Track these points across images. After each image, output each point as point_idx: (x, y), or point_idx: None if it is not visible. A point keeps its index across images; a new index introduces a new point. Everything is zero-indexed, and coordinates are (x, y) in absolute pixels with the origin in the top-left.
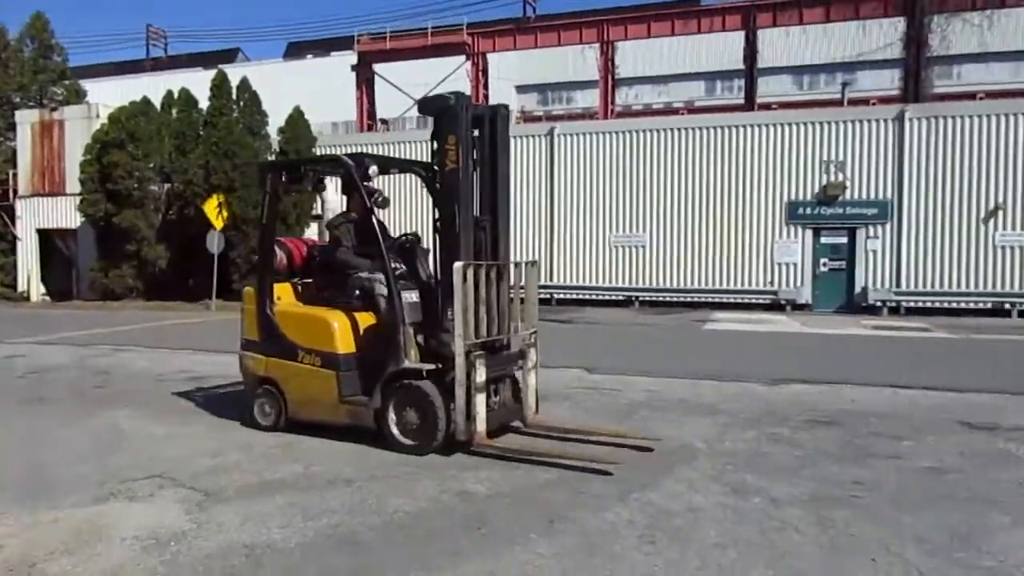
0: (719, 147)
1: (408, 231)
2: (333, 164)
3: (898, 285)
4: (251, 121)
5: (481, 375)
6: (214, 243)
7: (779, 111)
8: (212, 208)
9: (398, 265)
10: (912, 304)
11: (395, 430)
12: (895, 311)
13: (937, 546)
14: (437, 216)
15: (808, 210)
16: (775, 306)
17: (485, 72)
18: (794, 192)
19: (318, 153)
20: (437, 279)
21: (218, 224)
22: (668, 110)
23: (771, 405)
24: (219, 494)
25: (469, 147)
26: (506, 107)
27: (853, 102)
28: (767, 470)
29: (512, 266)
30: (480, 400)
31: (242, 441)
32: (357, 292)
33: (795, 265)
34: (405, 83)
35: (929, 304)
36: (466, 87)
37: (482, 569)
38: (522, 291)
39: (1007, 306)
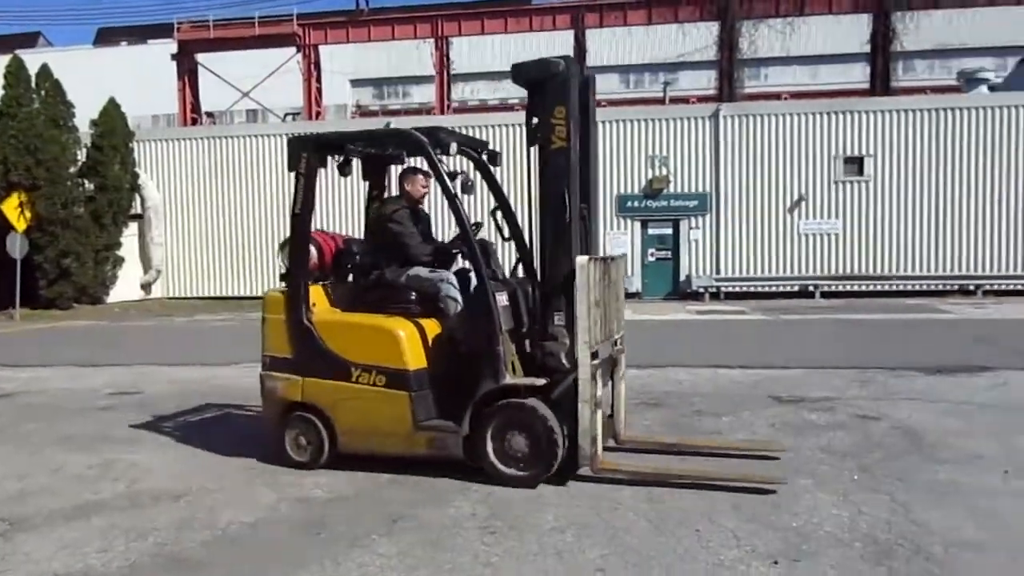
0: None
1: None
2: (398, 140)
3: (718, 272)
4: (55, 112)
5: (599, 388)
6: (16, 247)
7: (608, 108)
8: (12, 208)
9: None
10: (731, 289)
11: (495, 459)
12: (716, 296)
13: (753, 512)
14: (539, 204)
15: (636, 203)
16: None
17: (317, 65)
18: (623, 186)
19: (132, 146)
20: (539, 277)
21: (19, 226)
22: (504, 106)
23: None
24: (27, 521)
25: (578, 121)
26: (593, 76)
27: (675, 100)
28: None
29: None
30: (599, 418)
31: (53, 462)
32: (414, 295)
33: (625, 256)
34: (232, 75)
35: (745, 288)
36: (297, 80)
37: None
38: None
39: (811, 288)
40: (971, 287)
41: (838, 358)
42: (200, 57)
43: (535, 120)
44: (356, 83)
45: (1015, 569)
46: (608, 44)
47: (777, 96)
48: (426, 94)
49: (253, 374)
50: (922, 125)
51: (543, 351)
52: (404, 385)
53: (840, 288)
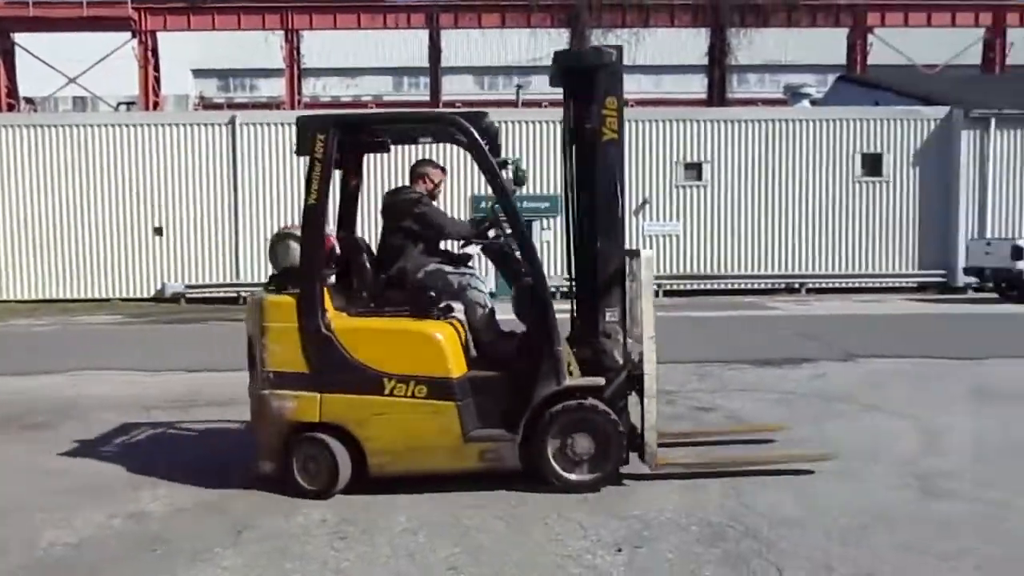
0: None
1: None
2: (437, 124)
3: (569, 271)
4: None
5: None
6: None
7: (463, 110)
8: None
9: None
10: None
11: (556, 465)
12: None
13: (599, 504)
14: (582, 197)
15: (490, 204)
16: None
17: (155, 52)
18: (478, 187)
19: None
20: (574, 273)
21: None
22: (357, 103)
23: None
24: None
25: (623, 112)
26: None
27: (528, 104)
28: None
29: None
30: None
31: None
32: (432, 294)
33: (480, 256)
34: (56, 58)
35: None
36: (133, 67)
37: None
38: None
39: (654, 287)
40: (796, 285)
41: (679, 353)
42: (19, 38)
43: (575, 109)
44: (199, 73)
45: (827, 543)
46: (463, 45)
47: (624, 103)
48: (275, 88)
49: (82, 383)
50: (754, 134)
51: (595, 349)
52: (449, 394)
53: (681, 287)
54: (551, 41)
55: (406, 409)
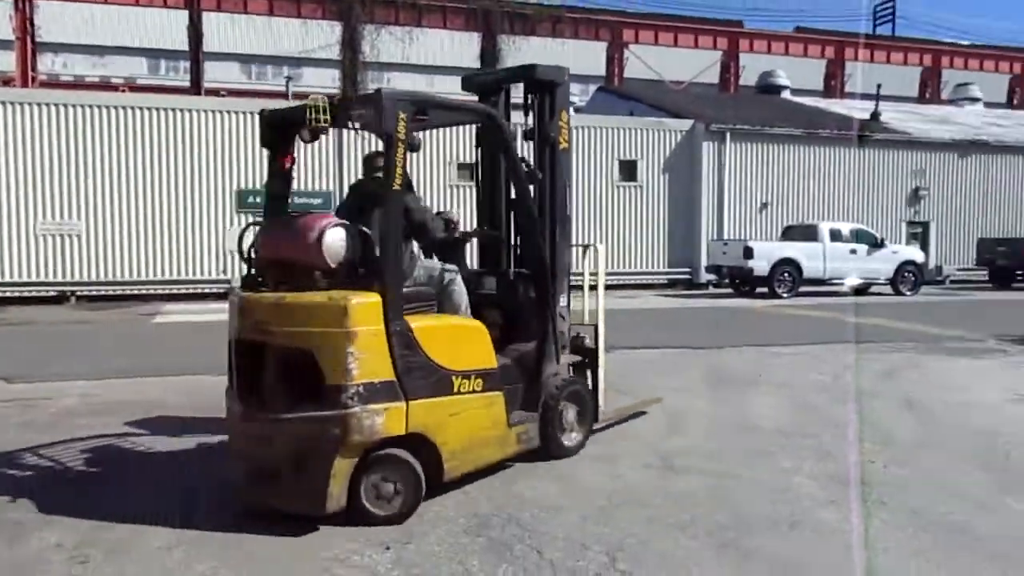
0: (165, 130)
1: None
2: (475, 115)
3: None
4: None
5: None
6: None
7: (229, 99)
8: None
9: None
10: None
11: (560, 436)
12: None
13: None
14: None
15: (257, 199)
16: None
17: None
18: (243, 180)
19: None
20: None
21: None
22: (106, 85)
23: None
24: None
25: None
26: None
27: (298, 96)
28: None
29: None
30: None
31: None
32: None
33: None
34: None
35: None
36: None
37: None
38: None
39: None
40: None
41: None
42: None
43: (535, 119)
44: None
45: (583, 524)
46: (228, 31)
47: None
48: (3, 61)
49: None
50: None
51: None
52: (497, 384)
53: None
54: (323, 33)
55: (471, 405)
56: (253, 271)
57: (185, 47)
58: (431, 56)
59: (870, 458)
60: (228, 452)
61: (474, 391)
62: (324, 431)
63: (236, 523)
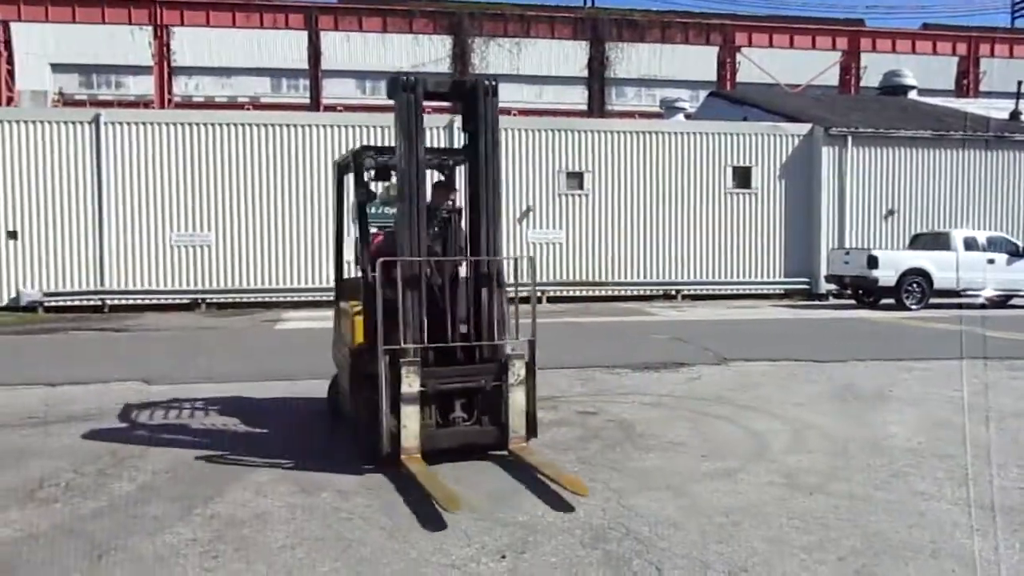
0: (286, 145)
1: None
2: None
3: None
4: None
5: (412, 385)
6: None
7: (345, 114)
8: None
9: None
10: None
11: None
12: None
13: (485, 511)
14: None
15: (374, 210)
16: None
17: (8, 44)
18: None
19: None
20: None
21: None
22: (233, 104)
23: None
24: None
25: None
26: None
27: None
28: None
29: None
30: (410, 413)
31: None
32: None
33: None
34: None
35: None
36: None
37: None
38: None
39: (538, 293)
40: (672, 292)
41: (562, 359)
42: None
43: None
44: (59, 68)
45: (703, 541)
46: (344, 48)
47: (507, 112)
48: (144, 86)
49: None
50: (631, 145)
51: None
52: None
53: (564, 293)
54: (433, 47)
55: None
56: None
57: (305, 66)
58: (540, 66)
59: (1019, 484)
60: None
61: None
62: None
63: (349, 526)
